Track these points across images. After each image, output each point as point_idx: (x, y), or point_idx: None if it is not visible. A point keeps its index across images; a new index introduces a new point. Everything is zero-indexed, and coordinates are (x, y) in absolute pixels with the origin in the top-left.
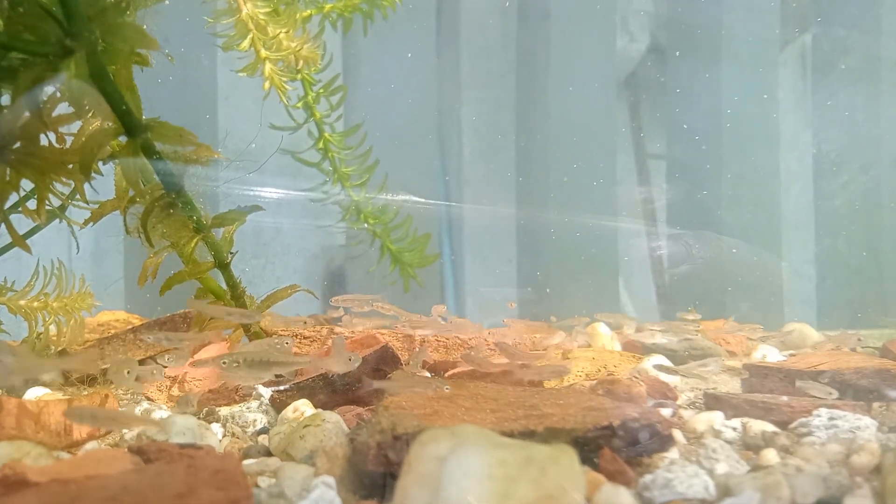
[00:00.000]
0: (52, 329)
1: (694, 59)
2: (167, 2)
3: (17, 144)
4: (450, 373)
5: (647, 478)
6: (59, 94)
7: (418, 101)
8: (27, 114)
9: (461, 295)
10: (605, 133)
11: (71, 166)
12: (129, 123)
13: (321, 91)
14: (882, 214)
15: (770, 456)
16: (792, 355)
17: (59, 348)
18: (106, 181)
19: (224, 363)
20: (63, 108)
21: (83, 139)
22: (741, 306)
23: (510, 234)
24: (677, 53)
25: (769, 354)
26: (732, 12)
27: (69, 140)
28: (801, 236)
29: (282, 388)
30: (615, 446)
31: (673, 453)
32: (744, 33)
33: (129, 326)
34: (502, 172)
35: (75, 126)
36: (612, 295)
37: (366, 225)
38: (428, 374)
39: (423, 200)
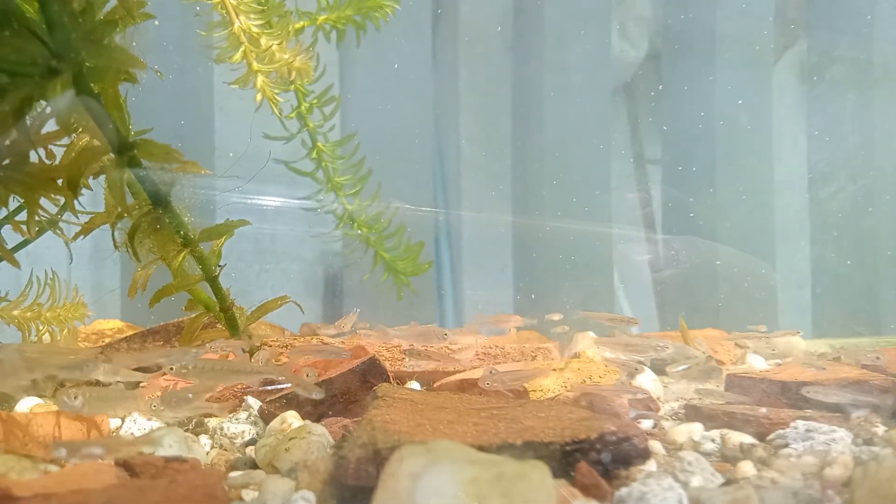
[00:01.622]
0: (46, 338)
1: (690, 65)
2: (157, 23)
3: (6, 161)
4: (438, 383)
5: (623, 491)
6: (48, 111)
7: (415, 110)
8: (15, 132)
9: (459, 302)
10: (600, 140)
11: (60, 181)
12: (115, 141)
13: (314, 101)
14: (877, 221)
15: (746, 468)
16: (778, 364)
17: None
18: (99, 193)
19: (171, 368)
20: (52, 125)
21: (72, 156)
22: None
23: (506, 241)
24: (674, 60)
25: (755, 364)
26: (728, 20)
27: (59, 152)
28: (796, 244)
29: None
30: (592, 459)
31: (651, 466)
32: (739, 41)
33: (123, 335)
34: (499, 180)
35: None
36: (608, 301)
37: (359, 233)
38: (418, 386)
39: (419, 208)
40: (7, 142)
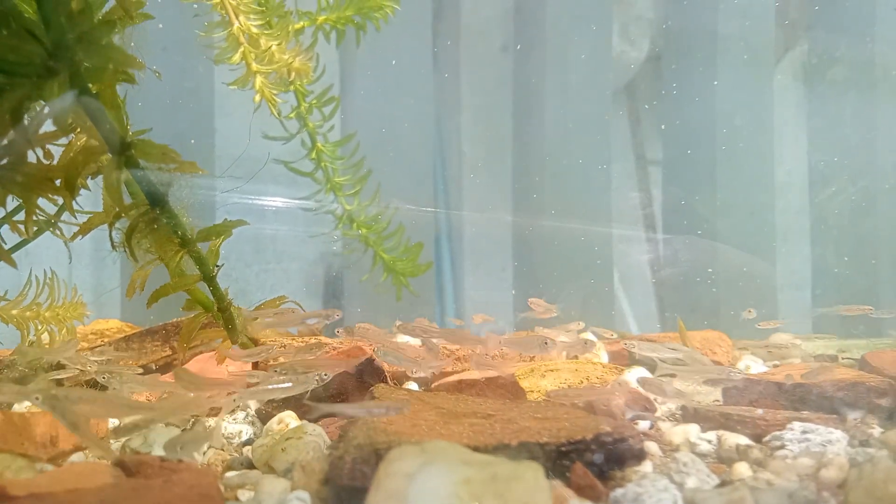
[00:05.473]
0: (45, 338)
1: (691, 66)
2: (161, 26)
3: (4, 162)
4: (435, 384)
5: (618, 492)
6: (46, 111)
7: (416, 110)
8: (12, 132)
9: (459, 302)
10: (601, 140)
11: (58, 182)
12: (112, 142)
13: (314, 102)
14: (878, 222)
15: (742, 469)
16: (775, 366)
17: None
18: (100, 193)
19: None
20: (50, 125)
21: (69, 156)
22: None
23: (506, 241)
24: (675, 61)
25: (753, 366)
26: (729, 21)
27: (58, 152)
28: (796, 244)
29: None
30: (587, 460)
31: (646, 467)
32: (740, 42)
33: (122, 335)
34: (499, 180)
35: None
36: (608, 302)
37: (359, 233)
38: (415, 386)
39: (420, 208)
40: (4, 142)
